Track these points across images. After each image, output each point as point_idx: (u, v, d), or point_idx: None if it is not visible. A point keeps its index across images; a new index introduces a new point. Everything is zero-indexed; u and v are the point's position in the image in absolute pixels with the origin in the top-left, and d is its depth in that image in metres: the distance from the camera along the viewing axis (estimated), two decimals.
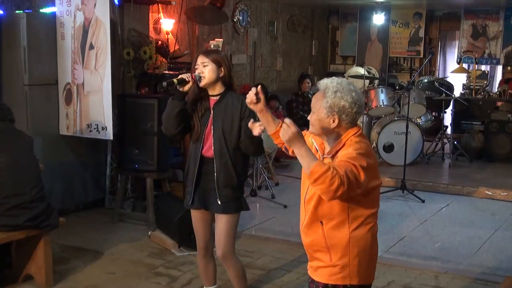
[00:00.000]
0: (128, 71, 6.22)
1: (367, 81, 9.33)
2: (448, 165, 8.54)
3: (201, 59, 3.37)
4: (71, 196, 6.06)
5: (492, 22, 10.76)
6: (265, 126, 2.74)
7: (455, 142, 8.86)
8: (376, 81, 10.20)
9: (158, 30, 7.30)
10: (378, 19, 10.91)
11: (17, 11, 5.56)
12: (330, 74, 11.21)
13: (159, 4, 7.14)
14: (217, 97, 3.42)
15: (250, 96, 2.68)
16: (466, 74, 10.19)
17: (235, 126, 3.37)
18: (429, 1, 10.57)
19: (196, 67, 3.38)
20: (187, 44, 7.62)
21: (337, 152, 2.48)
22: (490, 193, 7.05)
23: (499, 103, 9.32)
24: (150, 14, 6.93)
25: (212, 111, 3.40)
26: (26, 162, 4.12)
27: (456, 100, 8.81)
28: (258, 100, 2.69)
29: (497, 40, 10.74)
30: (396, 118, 8.29)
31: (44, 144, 5.67)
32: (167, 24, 7.21)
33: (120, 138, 5.79)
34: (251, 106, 2.71)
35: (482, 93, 9.69)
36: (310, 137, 2.67)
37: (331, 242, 2.51)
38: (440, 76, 10.54)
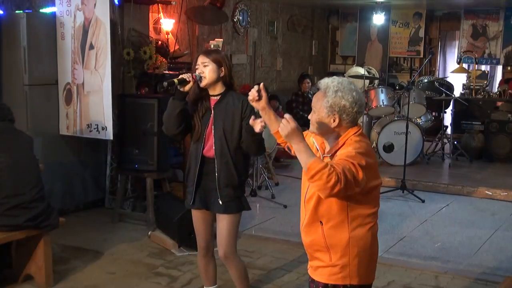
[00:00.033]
0: (128, 71, 6.22)
1: (367, 81, 9.34)
2: (448, 165, 8.54)
3: (201, 59, 3.37)
4: (71, 196, 6.05)
5: (492, 22, 10.76)
6: (267, 124, 2.74)
7: (455, 142, 8.86)
8: (376, 81, 10.21)
9: (158, 30, 7.30)
10: (378, 19, 10.91)
11: (17, 11, 5.56)
12: (330, 74, 11.19)
13: (159, 4, 7.14)
14: (218, 97, 3.42)
15: (252, 93, 2.68)
16: (466, 74, 10.19)
17: (236, 126, 3.37)
18: (429, 1, 10.57)
19: (196, 67, 3.37)
20: (187, 44, 7.62)
21: (336, 151, 2.48)
22: (490, 193, 7.05)
23: (499, 103, 9.32)
24: (150, 14, 6.93)
25: (212, 111, 3.40)
26: (26, 162, 4.12)
27: (456, 100, 8.81)
28: (260, 97, 2.68)
29: (497, 40, 10.75)
30: (396, 118, 8.29)
31: (44, 144, 5.67)
32: (167, 24, 7.21)
33: (120, 138, 5.79)
34: (253, 104, 2.71)
35: (482, 93, 9.69)
36: (311, 137, 2.67)
37: (330, 242, 2.51)
38: (440, 76, 10.55)
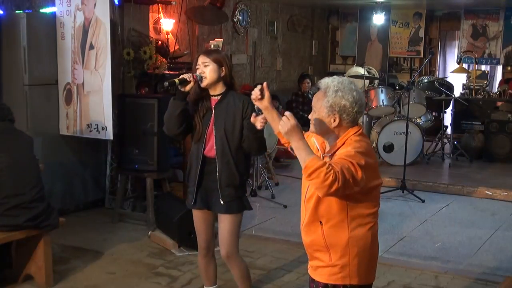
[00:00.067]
0: (128, 71, 6.22)
1: (367, 81, 9.34)
2: (448, 165, 8.54)
3: (202, 59, 3.37)
4: (71, 196, 6.05)
5: (492, 22, 10.76)
6: (270, 124, 2.72)
7: (455, 142, 8.86)
8: (376, 81, 10.21)
9: (158, 30, 7.30)
10: (378, 19, 10.91)
11: (17, 11, 5.56)
12: (330, 74, 11.18)
13: (159, 4, 7.14)
14: (219, 97, 3.41)
15: (255, 92, 2.68)
16: (466, 74, 10.19)
17: (237, 125, 3.36)
18: (429, 1, 10.57)
19: (197, 67, 3.37)
20: (187, 44, 7.62)
21: (336, 150, 2.48)
22: (490, 193, 7.05)
23: (499, 103, 9.32)
24: (150, 14, 6.93)
25: (213, 111, 3.40)
26: (26, 162, 4.12)
27: (456, 100, 8.81)
28: (262, 96, 2.68)
29: (497, 40, 10.75)
30: (396, 118, 8.30)
31: (44, 144, 5.66)
32: (167, 24, 7.21)
33: (120, 138, 5.79)
34: (256, 103, 2.70)
35: (482, 93, 9.69)
36: (312, 137, 2.67)
37: (330, 241, 2.51)
38: (440, 76, 10.55)
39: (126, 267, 4.71)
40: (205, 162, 3.43)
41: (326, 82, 2.52)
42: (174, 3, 7.31)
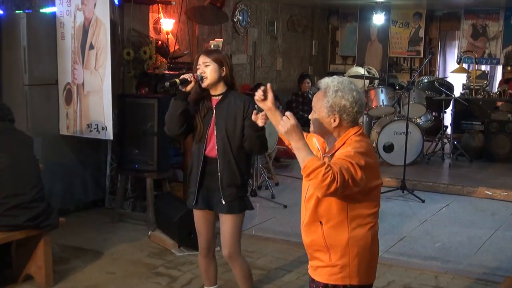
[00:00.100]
0: (128, 71, 6.22)
1: (367, 81, 9.34)
2: (448, 165, 8.54)
3: (202, 59, 3.36)
4: (71, 196, 6.05)
5: (492, 22, 10.76)
6: (274, 125, 2.71)
7: (455, 142, 8.86)
8: (376, 81, 10.22)
9: (158, 30, 7.30)
10: (378, 19, 10.91)
11: (17, 11, 5.56)
12: (330, 74, 11.18)
13: (159, 4, 7.14)
14: (219, 97, 3.41)
15: (258, 93, 2.67)
16: (466, 74, 10.19)
17: (238, 125, 3.36)
18: (429, 1, 10.57)
19: (197, 67, 3.36)
20: (187, 44, 7.62)
21: (336, 151, 2.48)
22: (490, 193, 7.05)
23: (499, 103, 9.32)
24: (150, 14, 6.93)
25: (214, 111, 3.40)
26: (26, 162, 4.12)
27: (456, 100, 8.81)
28: (265, 97, 2.67)
29: (497, 40, 10.75)
30: (396, 118, 8.30)
31: (44, 144, 5.66)
32: (167, 24, 7.21)
33: (120, 138, 5.79)
34: (260, 104, 2.70)
35: (482, 93, 9.69)
36: (314, 138, 2.66)
37: (330, 242, 2.51)
38: (440, 76, 10.55)
39: (126, 267, 4.71)
40: (206, 162, 3.43)
41: (326, 82, 2.52)
42: (174, 3, 7.31)
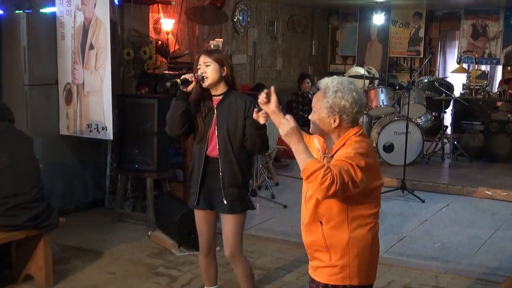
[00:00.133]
0: (128, 71, 6.22)
1: (367, 81, 9.34)
2: (448, 165, 8.54)
3: (203, 59, 3.36)
4: (71, 196, 6.05)
5: (492, 22, 10.76)
6: (278, 128, 2.71)
7: (455, 142, 8.86)
8: (376, 81, 10.21)
9: (158, 30, 7.30)
10: (378, 19, 10.91)
11: (17, 11, 5.56)
12: (330, 74, 11.18)
13: (159, 4, 7.14)
14: (220, 97, 3.41)
15: (261, 96, 2.67)
16: (466, 74, 10.19)
17: (239, 125, 3.36)
18: (429, 1, 10.57)
19: (198, 67, 3.36)
20: (187, 44, 7.62)
21: (336, 151, 2.48)
22: (490, 193, 7.05)
23: (499, 103, 9.32)
24: (150, 14, 6.93)
25: (215, 111, 3.39)
26: (26, 162, 4.12)
27: (456, 100, 8.81)
28: (268, 100, 2.67)
29: (497, 40, 10.75)
30: (396, 118, 8.30)
31: (44, 144, 5.66)
32: (167, 24, 7.21)
33: (120, 138, 5.79)
34: (263, 107, 2.69)
35: (482, 93, 9.69)
36: (315, 139, 2.66)
37: (330, 242, 2.51)
38: (440, 76, 10.55)
39: (126, 267, 4.71)
40: (208, 162, 3.43)
41: (326, 82, 2.51)
42: (174, 3, 7.31)
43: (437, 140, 9.08)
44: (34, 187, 4.06)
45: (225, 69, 3.37)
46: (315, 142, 2.66)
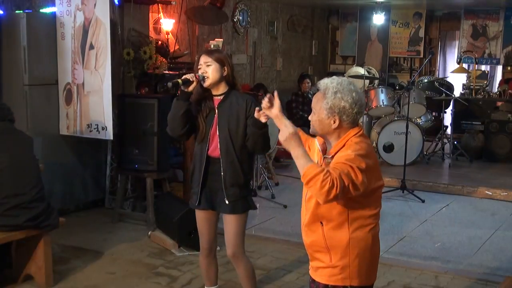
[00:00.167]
0: (128, 71, 6.22)
1: (367, 81, 9.34)
2: (448, 165, 8.54)
3: (204, 59, 3.36)
4: (71, 196, 6.06)
5: (492, 22, 10.76)
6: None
7: (455, 142, 8.86)
8: (376, 81, 10.21)
9: (158, 30, 7.30)
10: (378, 19, 10.91)
11: (17, 11, 5.56)
12: (330, 74, 11.20)
13: (159, 4, 7.14)
14: (221, 97, 3.41)
15: (264, 101, 2.66)
16: (466, 74, 10.19)
17: (241, 125, 3.36)
18: (429, 1, 10.57)
19: (199, 67, 3.36)
20: (187, 44, 7.62)
21: (337, 152, 2.47)
22: (490, 193, 7.05)
23: (499, 103, 9.32)
24: (150, 14, 6.93)
25: (216, 111, 3.39)
26: (26, 162, 4.12)
27: (456, 100, 8.81)
28: (271, 105, 2.66)
29: (497, 40, 10.75)
30: (396, 118, 8.30)
31: (44, 144, 5.66)
32: (167, 24, 7.21)
33: (120, 138, 5.79)
34: (267, 112, 2.69)
35: (482, 93, 9.69)
36: (315, 140, 2.66)
37: (331, 243, 2.50)
38: (440, 76, 10.55)
39: (126, 267, 4.71)
40: (209, 162, 3.42)
41: (325, 83, 2.51)
42: (174, 3, 7.31)
43: (437, 140, 9.08)
44: (34, 187, 4.06)
45: (225, 69, 3.37)
46: (316, 144, 2.66)
